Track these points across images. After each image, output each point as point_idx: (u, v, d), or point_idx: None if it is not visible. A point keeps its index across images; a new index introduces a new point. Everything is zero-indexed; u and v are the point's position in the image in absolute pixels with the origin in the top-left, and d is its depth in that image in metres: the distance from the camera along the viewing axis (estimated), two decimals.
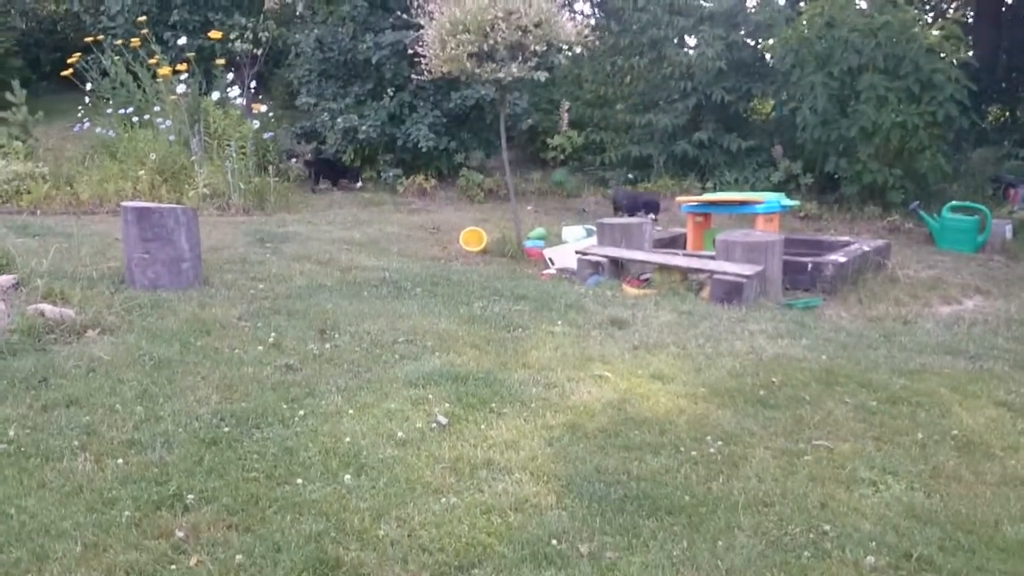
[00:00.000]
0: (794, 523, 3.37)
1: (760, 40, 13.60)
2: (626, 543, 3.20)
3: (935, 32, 11.66)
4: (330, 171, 12.93)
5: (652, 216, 9.83)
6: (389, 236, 9.80)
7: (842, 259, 8.09)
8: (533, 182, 13.69)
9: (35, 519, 3.20)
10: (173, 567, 2.93)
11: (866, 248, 8.74)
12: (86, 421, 4.07)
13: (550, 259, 8.78)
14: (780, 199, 9.10)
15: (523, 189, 13.13)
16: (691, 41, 14.01)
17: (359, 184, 12.77)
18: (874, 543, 3.24)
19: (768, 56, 13.54)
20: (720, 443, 4.09)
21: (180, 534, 3.12)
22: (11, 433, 3.91)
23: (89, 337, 5.34)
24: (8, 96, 12.61)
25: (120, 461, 3.68)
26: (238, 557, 2.99)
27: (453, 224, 10.60)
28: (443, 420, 4.23)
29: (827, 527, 3.34)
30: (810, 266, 7.92)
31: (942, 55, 11.48)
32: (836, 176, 12.33)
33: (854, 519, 3.42)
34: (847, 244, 9.02)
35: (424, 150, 12.58)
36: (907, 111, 11.30)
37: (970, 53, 11.78)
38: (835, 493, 3.64)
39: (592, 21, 14.65)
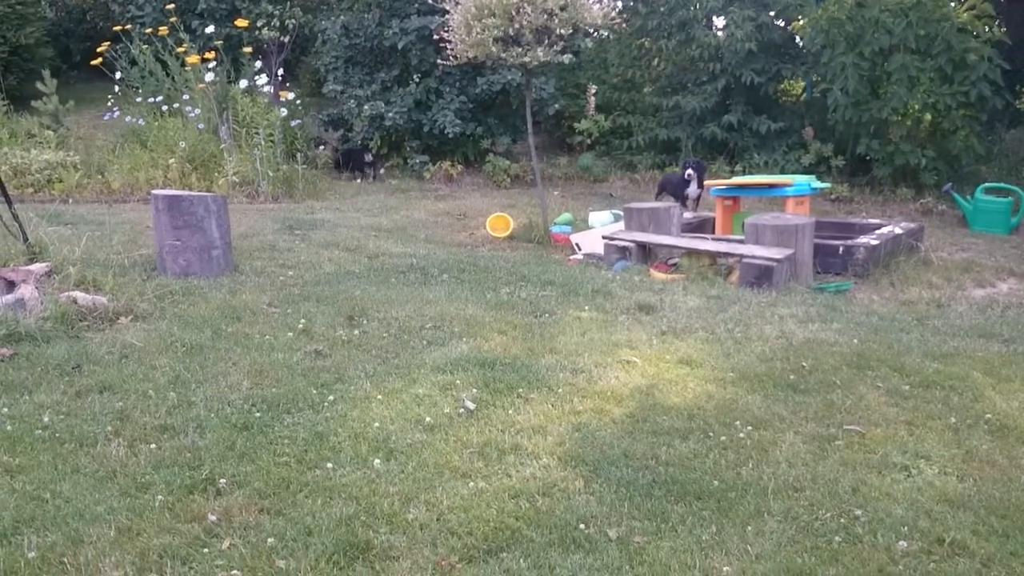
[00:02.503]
0: (825, 508, 3.35)
1: (790, 21, 13.44)
2: (655, 528, 3.19)
3: (966, 11, 11.45)
4: (356, 160, 12.95)
5: (691, 173, 9.73)
6: (416, 223, 9.82)
7: (874, 242, 8.00)
8: (560, 167, 13.64)
9: (70, 504, 3.24)
10: (206, 550, 2.96)
11: (898, 231, 8.63)
12: (119, 407, 4.12)
13: (577, 244, 8.75)
14: (811, 181, 9.01)
15: (549, 174, 13.09)
16: (719, 22, 13.87)
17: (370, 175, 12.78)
18: (906, 528, 3.21)
19: (798, 37, 13.38)
20: (749, 428, 4.07)
21: (213, 518, 3.15)
22: (46, 419, 3.96)
23: (122, 324, 5.40)
24: (39, 86, 12.75)
25: (153, 446, 3.73)
26: (270, 540, 3.02)
27: (479, 210, 10.60)
28: (471, 405, 4.24)
29: (858, 512, 3.32)
30: (841, 249, 7.83)
31: (974, 34, 11.28)
32: (868, 158, 12.18)
33: (886, 504, 3.40)
34: (879, 227, 8.91)
35: (450, 136, 12.57)
36: (939, 91, 11.12)
37: (1003, 31, 11.57)
38: (867, 478, 3.61)
39: (619, 3, 14.52)
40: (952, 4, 11.43)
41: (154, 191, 6.97)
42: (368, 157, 12.86)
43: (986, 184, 10.69)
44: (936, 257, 8.49)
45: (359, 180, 12.62)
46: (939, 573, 2.96)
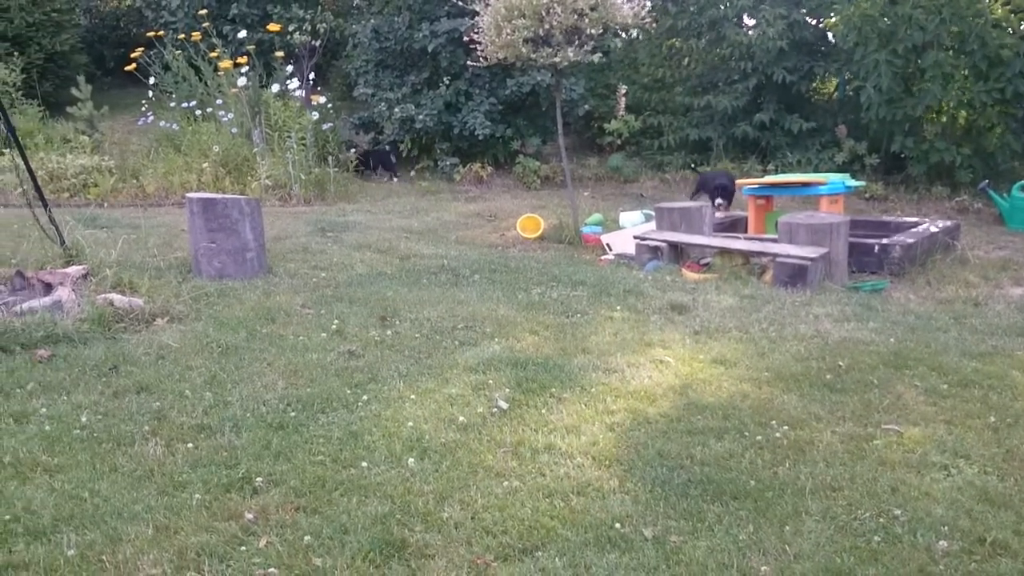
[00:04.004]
0: (863, 508, 3.31)
1: (822, 18, 13.33)
2: (691, 527, 3.17)
3: (1001, 6, 11.29)
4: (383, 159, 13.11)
5: (720, 201, 9.69)
6: (447, 224, 9.84)
7: (910, 240, 7.91)
8: (590, 168, 13.62)
9: (108, 502, 3.28)
10: (243, 548, 2.98)
11: (934, 229, 8.53)
12: (156, 407, 4.16)
13: (608, 245, 8.72)
14: (844, 180, 8.91)
15: (580, 175, 13.07)
16: (750, 21, 13.78)
17: (393, 178, 12.94)
18: (946, 527, 3.17)
19: (831, 34, 13.26)
20: (786, 428, 4.03)
21: (249, 516, 3.17)
22: (83, 419, 4.01)
23: (158, 325, 5.46)
24: (74, 92, 12.92)
25: (190, 445, 3.76)
26: (306, 538, 3.03)
27: (510, 211, 10.60)
28: (504, 405, 4.24)
29: (898, 511, 3.27)
30: (877, 248, 7.75)
31: (1009, 30, 11.12)
32: (902, 156, 12.05)
33: (925, 503, 3.35)
34: (915, 225, 8.81)
35: (480, 138, 12.58)
36: (974, 88, 10.99)
37: None
38: (905, 477, 3.56)
39: (648, 3, 14.47)
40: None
41: (189, 194, 7.04)
42: (393, 158, 12.98)
43: (1023, 182, 10.53)
44: (973, 255, 8.38)
45: (391, 180, 12.71)
46: (981, 573, 2.92)
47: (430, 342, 5.24)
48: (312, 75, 14.04)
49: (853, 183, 9.20)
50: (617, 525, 3.17)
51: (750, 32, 13.39)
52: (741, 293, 6.61)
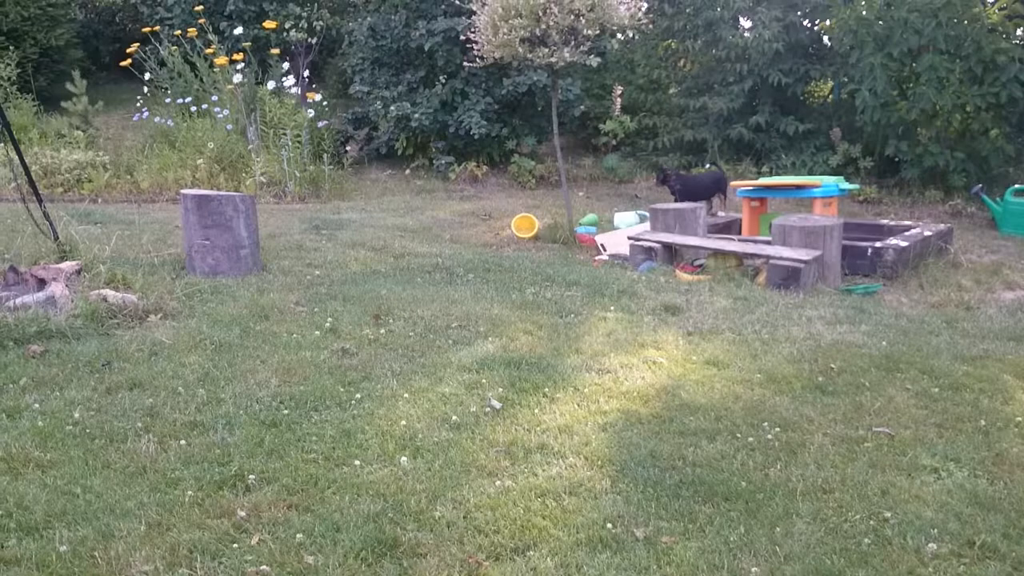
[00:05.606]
0: (854, 510, 3.32)
1: (818, 21, 13.35)
2: (682, 528, 3.18)
3: (997, 11, 11.32)
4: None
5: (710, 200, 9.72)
6: (441, 223, 9.84)
7: (903, 244, 7.93)
8: (585, 168, 13.62)
9: (100, 498, 3.28)
10: (235, 545, 2.99)
11: (927, 233, 8.56)
12: (149, 403, 4.16)
13: (602, 245, 8.73)
14: (839, 183, 8.94)
15: (575, 175, 13.07)
16: (746, 23, 13.79)
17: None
18: (936, 530, 3.19)
19: (826, 37, 13.28)
20: (777, 429, 4.05)
21: (242, 513, 3.17)
22: (76, 415, 4.01)
23: (151, 322, 5.45)
24: (69, 87, 12.88)
25: (183, 442, 3.76)
26: (298, 536, 3.04)
27: (504, 211, 10.61)
28: (497, 404, 4.25)
29: (888, 514, 3.29)
30: (870, 251, 7.77)
31: (1005, 35, 11.15)
32: (896, 159, 12.06)
33: (915, 506, 3.37)
34: (908, 228, 8.84)
35: (476, 137, 12.57)
36: (969, 93, 11.01)
37: None
38: (896, 480, 3.58)
39: (645, 4, 14.47)
40: (982, 3, 11.29)
41: (183, 191, 7.04)
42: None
43: (1016, 186, 10.56)
44: (965, 259, 8.41)
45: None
46: None
47: (424, 341, 5.25)
48: (308, 72, 14.02)
49: (847, 186, 9.23)
50: (609, 525, 3.18)
51: (746, 34, 13.39)
52: (734, 295, 6.62)
